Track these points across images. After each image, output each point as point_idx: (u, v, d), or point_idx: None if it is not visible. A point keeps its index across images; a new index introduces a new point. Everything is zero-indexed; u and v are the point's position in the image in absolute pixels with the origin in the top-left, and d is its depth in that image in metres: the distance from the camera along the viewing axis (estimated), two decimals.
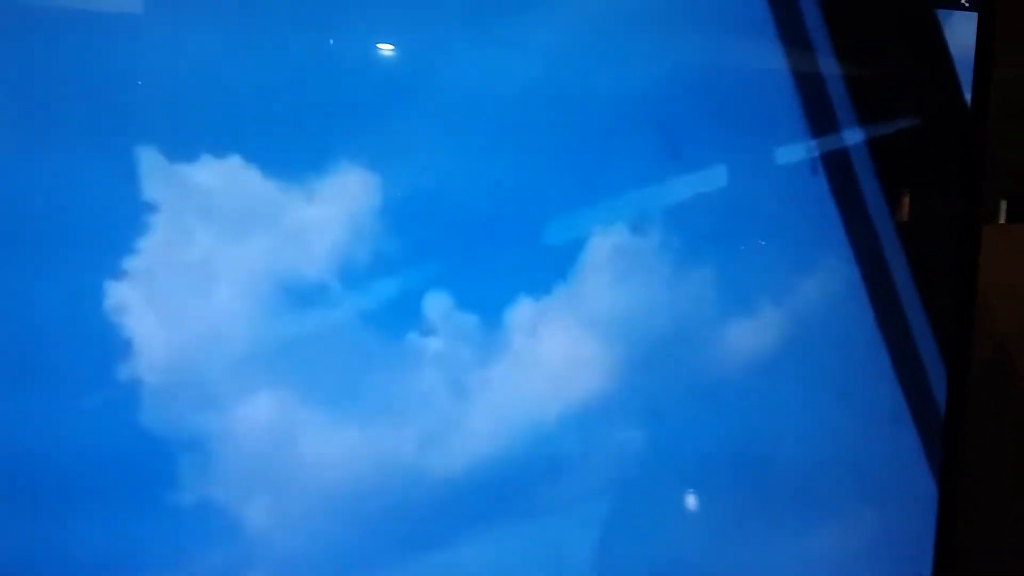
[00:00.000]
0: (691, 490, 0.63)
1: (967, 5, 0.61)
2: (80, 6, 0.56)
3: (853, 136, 0.61)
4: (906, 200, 0.62)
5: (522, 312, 0.61)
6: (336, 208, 0.58)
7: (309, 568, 0.62)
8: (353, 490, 0.61)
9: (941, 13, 0.62)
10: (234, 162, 0.57)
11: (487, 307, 0.61)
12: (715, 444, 0.63)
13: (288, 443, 0.60)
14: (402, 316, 0.60)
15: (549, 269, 0.61)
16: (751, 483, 0.63)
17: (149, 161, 0.57)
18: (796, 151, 0.61)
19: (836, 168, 0.61)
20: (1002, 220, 0.86)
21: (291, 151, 0.58)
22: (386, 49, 0.59)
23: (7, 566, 0.59)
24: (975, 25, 0.62)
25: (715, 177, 0.61)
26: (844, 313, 0.62)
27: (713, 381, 0.62)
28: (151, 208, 0.57)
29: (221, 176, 0.57)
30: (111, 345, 0.58)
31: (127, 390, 0.59)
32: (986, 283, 0.64)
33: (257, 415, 0.60)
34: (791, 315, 0.62)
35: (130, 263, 0.57)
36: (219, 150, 0.57)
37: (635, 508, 0.63)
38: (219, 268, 0.58)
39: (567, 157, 0.60)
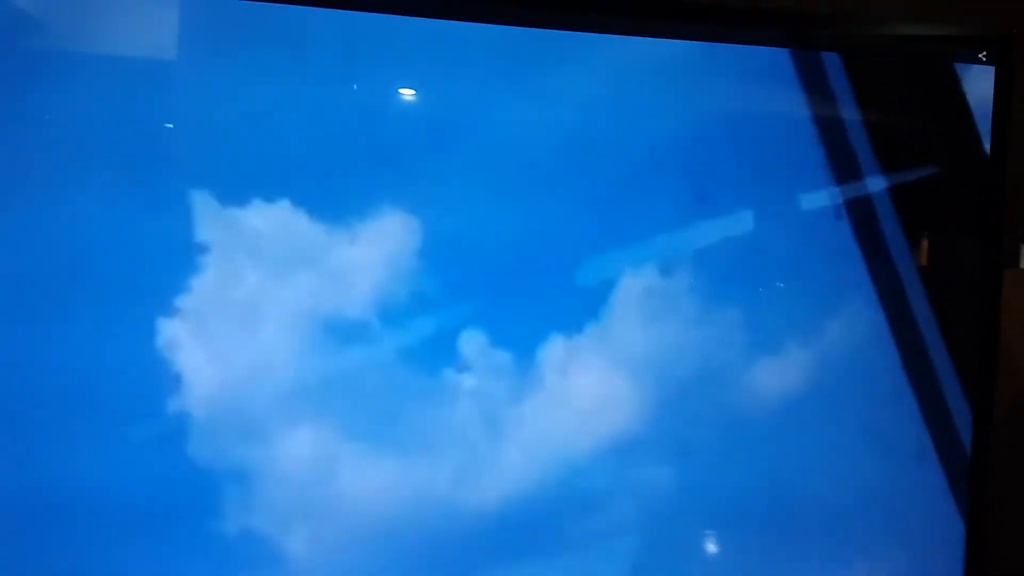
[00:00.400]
0: (719, 527, 0.64)
1: (984, 60, 0.63)
2: (137, 53, 0.59)
3: (875, 184, 0.63)
4: (928, 245, 0.63)
5: (554, 350, 0.63)
6: (377, 249, 0.61)
7: None
8: (389, 522, 0.63)
9: (960, 67, 0.64)
10: (283, 206, 0.60)
11: (520, 345, 0.63)
12: (743, 482, 0.64)
13: (328, 476, 0.62)
14: (438, 353, 0.62)
15: (581, 309, 0.63)
16: (778, 521, 0.65)
17: (203, 205, 0.60)
18: (820, 198, 0.63)
19: (859, 214, 0.63)
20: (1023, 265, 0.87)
21: (336, 196, 0.61)
22: (427, 99, 0.61)
23: None
24: (992, 78, 0.64)
25: (741, 222, 0.63)
26: (869, 354, 0.64)
27: (741, 420, 0.64)
28: (203, 249, 0.60)
29: (270, 219, 0.60)
30: (162, 380, 0.60)
31: (175, 423, 0.61)
32: (1008, 325, 0.66)
33: (298, 448, 0.62)
34: (817, 356, 0.63)
35: (182, 301, 0.60)
36: (270, 195, 0.60)
37: (664, 544, 0.64)
38: (265, 306, 0.61)
39: (598, 202, 0.63)
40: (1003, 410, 0.73)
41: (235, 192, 0.60)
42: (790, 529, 0.65)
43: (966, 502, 0.65)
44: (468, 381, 0.63)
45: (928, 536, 0.65)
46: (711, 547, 0.64)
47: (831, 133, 0.63)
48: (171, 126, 0.60)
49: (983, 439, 0.65)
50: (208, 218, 0.59)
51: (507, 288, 0.63)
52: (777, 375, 0.63)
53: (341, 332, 0.61)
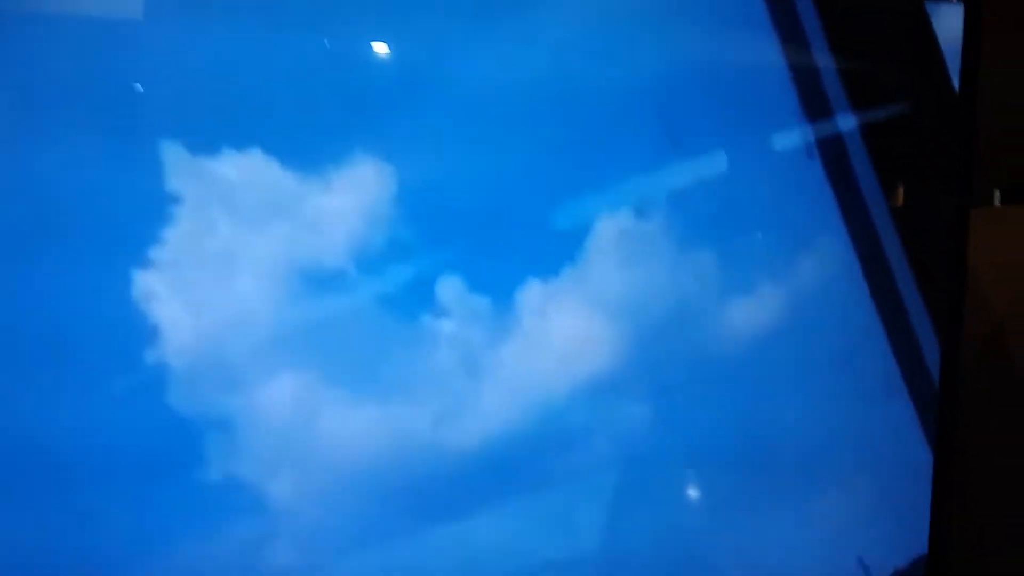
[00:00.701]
0: (696, 463, 0.65)
1: None
2: (102, 2, 0.58)
3: (847, 123, 0.63)
4: (899, 184, 0.64)
5: (532, 294, 0.63)
6: (352, 197, 0.61)
7: (330, 540, 0.64)
8: (371, 466, 0.63)
9: (930, 6, 0.64)
10: (254, 155, 0.59)
11: (498, 290, 0.63)
12: (718, 419, 0.65)
13: (309, 422, 0.62)
14: (416, 299, 0.62)
15: (557, 253, 0.63)
16: (752, 456, 0.66)
17: (173, 155, 0.59)
18: (792, 138, 0.63)
19: (831, 154, 0.64)
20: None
21: (309, 144, 0.60)
22: (398, 45, 0.61)
23: (36, 547, 0.61)
24: (962, 16, 0.64)
25: (715, 164, 0.63)
26: (841, 293, 0.64)
27: (716, 359, 0.64)
28: (175, 200, 0.59)
29: (242, 169, 0.59)
30: (138, 332, 0.60)
31: (154, 374, 0.61)
32: (980, 263, 0.66)
33: (279, 396, 0.62)
34: (790, 295, 0.64)
35: (155, 253, 0.59)
36: (240, 144, 0.59)
37: (641, 482, 0.66)
38: (241, 256, 0.60)
39: (573, 146, 0.62)
40: (970, 345, 0.75)
41: (205, 142, 0.59)
42: (764, 464, 0.66)
43: (935, 434, 0.67)
44: (447, 326, 0.63)
45: (897, 467, 0.67)
46: (688, 483, 0.66)
47: (803, 74, 0.63)
48: (139, 76, 0.58)
49: (951, 373, 0.66)
50: (178, 168, 0.59)
51: (484, 234, 0.63)
52: (751, 314, 0.64)
53: (318, 280, 0.61)
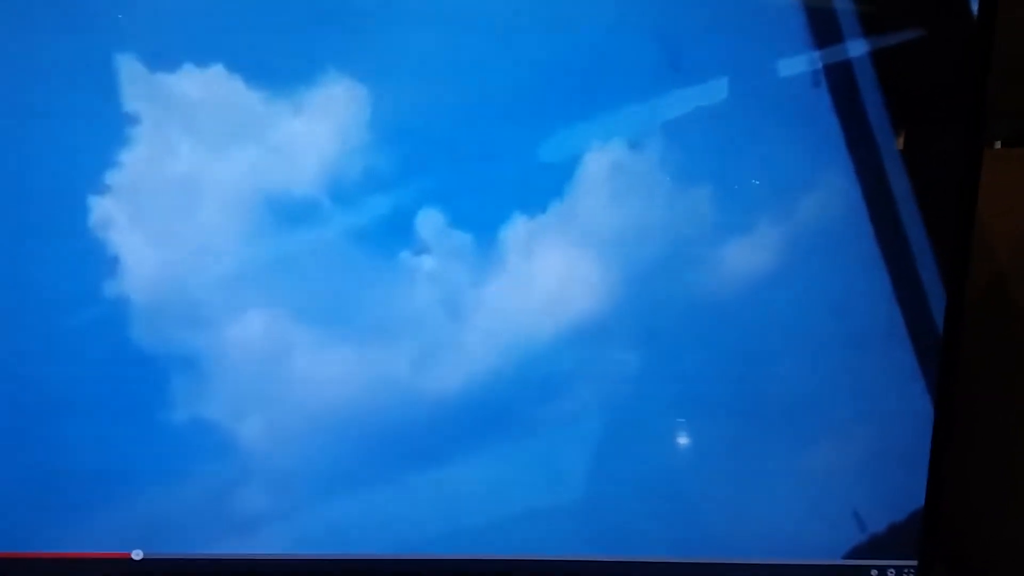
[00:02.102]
0: (686, 409, 0.63)
1: None
2: None
3: (857, 49, 0.59)
4: (909, 117, 0.60)
5: (517, 230, 0.60)
6: (324, 121, 0.57)
7: (302, 485, 0.62)
8: (346, 409, 0.60)
9: None
10: (217, 72, 0.55)
11: (481, 225, 0.60)
12: (711, 363, 0.62)
13: (280, 362, 0.59)
14: (394, 234, 0.59)
15: (544, 186, 0.59)
16: (747, 402, 0.63)
17: (129, 70, 0.55)
18: (798, 63, 0.59)
19: (839, 81, 0.60)
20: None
21: (276, 60, 0.56)
22: None
23: (1, 478, 0.60)
24: None
25: (715, 90, 0.59)
26: (844, 231, 0.61)
27: (710, 300, 0.61)
28: (132, 120, 0.55)
29: (204, 86, 0.55)
30: (96, 262, 0.57)
31: (114, 308, 0.57)
32: (986, 205, 0.63)
33: (247, 333, 0.59)
34: (790, 235, 0.61)
35: (112, 177, 0.56)
36: (201, 59, 0.55)
37: (629, 427, 0.63)
38: (204, 182, 0.57)
39: (564, 70, 0.58)
40: (976, 290, 0.71)
41: (163, 56, 0.55)
42: (757, 412, 0.64)
43: (936, 383, 0.64)
44: (426, 263, 0.60)
45: (896, 417, 0.64)
46: (678, 431, 0.63)
47: None
48: None
49: (955, 319, 0.63)
50: (135, 85, 0.54)
51: (466, 164, 0.59)
52: (748, 254, 0.61)
53: (288, 211, 0.58)
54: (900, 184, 0.61)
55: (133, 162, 0.56)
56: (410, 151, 0.58)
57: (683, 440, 0.63)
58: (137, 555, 0.62)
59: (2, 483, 0.60)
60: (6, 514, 0.60)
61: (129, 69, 0.55)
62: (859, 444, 0.64)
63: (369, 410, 0.61)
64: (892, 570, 0.65)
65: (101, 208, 0.56)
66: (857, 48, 0.59)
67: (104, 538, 0.61)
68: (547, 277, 0.60)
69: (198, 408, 0.60)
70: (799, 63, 0.59)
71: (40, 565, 0.61)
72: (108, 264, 0.57)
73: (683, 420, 0.63)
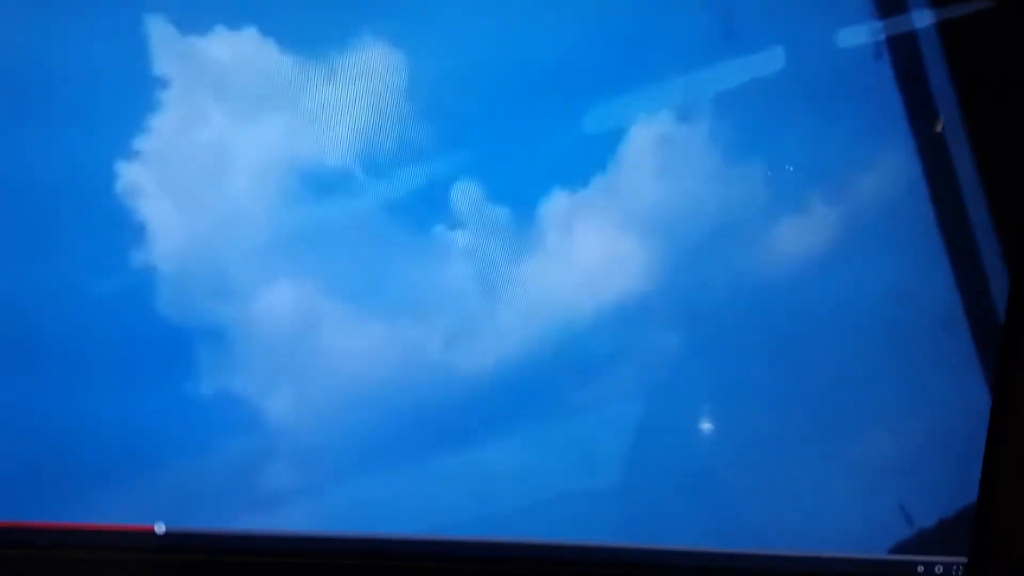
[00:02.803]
0: (729, 395, 0.60)
1: None
2: None
3: (922, 19, 0.56)
4: (975, 91, 0.57)
5: (557, 205, 0.57)
6: (358, 88, 0.55)
7: (331, 462, 0.60)
8: (376, 385, 0.59)
9: None
10: (250, 35, 0.53)
11: (519, 199, 0.57)
12: (757, 348, 0.60)
13: (309, 335, 0.58)
14: (428, 207, 0.57)
15: (587, 159, 0.57)
16: (793, 389, 0.61)
17: (159, 32, 0.53)
18: (859, 33, 0.56)
19: (902, 53, 0.56)
20: None
21: (311, 23, 0.54)
22: None
23: (28, 449, 0.59)
24: None
25: (770, 61, 0.56)
26: (902, 212, 0.58)
27: (758, 282, 0.59)
28: (162, 84, 0.54)
29: (236, 51, 0.53)
30: (124, 230, 0.55)
31: (141, 277, 0.56)
32: None
33: (276, 306, 0.57)
34: (845, 213, 0.58)
35: (141, 143, 0.54)
36: (234, 21, 0.54)
37: (669, 412, 0.61)
38: (235, 150, 0.55)
39: (610, 36, 0.56)
40: None
41: (195, 19, 0.53)
42: (804, 399, 0.61)
43: (994, 372, 0.61)
44: (461, 238, 0.58)
45: (951, 408, 0.61)
46: (719, 418, 0.60)
47: None
48: None
49: (1018, 306, 0.60)
50: (165, 48, 0.53)
51: (505, 135, 0.57)
52: (799, 235, 0.58)
53: (320, 181, 0.56)
54: (964, 163, 0.58)
55: (162, 127, 0.54)
56: (446, 121, 0.56)
57: (724, 428, 0.61)
58: (160, 528, 0.61)
59: (26, 453, 0.59)
60: (30, 484, 0.60)
61: (159, 31, 0.53)
62: (910, 435, 0.62)
63: (400, 387, 0.59)
64: (940, 566, 0.63)
65: (129, 175, 0.55)
66: (922, 18, 0.55)
67: (127, 510, 0.60)
68: (587, 255, 0.58)
69: (225, 381, 0.59)
70: (860, 34, 0.55)
71: (62, 536, 0.61)
72: (135, 232, 0.56)
73: (725, 406, 0.61)
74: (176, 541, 0.61)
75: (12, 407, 0.59)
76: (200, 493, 0.61)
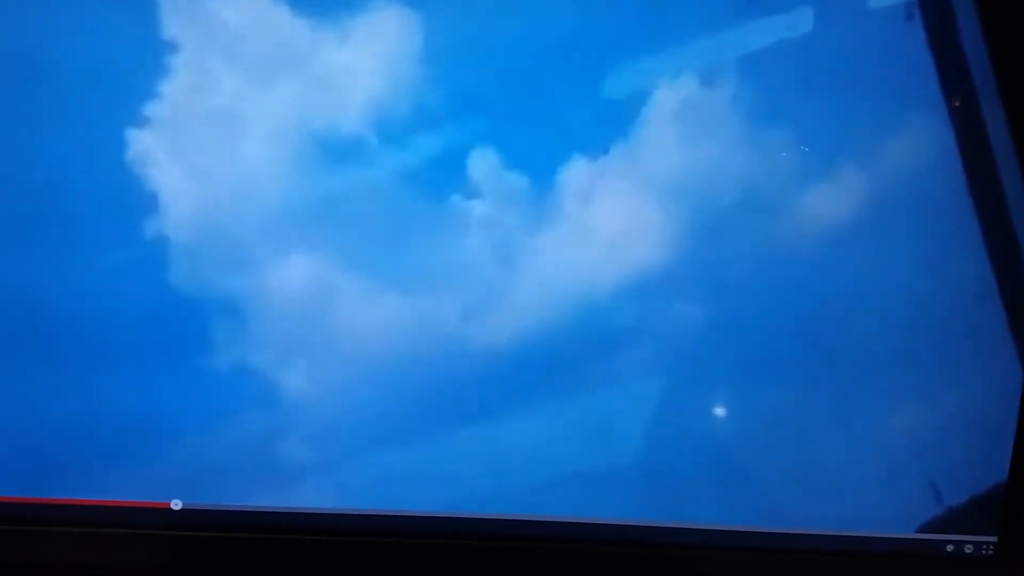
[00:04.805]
0: (754, 370, 0.59)
1: None
2: None
3: None
4: (1012, 53, 0.55)
5: (576, 173, 0.56)
6: (373, 51, 0.54)
7: (347, 437, 0.60)
8: (393, 359, 0.58)
9: None
10: None
11: (538, 167, 0.56)
12: (783, 321, 0.59)
13: (324, 308, 0.57)
14: (445, 175, 0.56)
15: (608, 125, 0.55)
16: (819, 363, 0.59)
17: None
18: None
19: (935, 13, 0.54)
20: None
21: None
22: None
23: (41, 425, 0.59)
24: None
25: (797, 21, 0.54)
26: (934, 179, 0.56)
27: (784, 253, 0.57)
28: (172, 48, 0.53)
29: (247, 12, 0.52)
30: (134, 199, 0.55)
31: (153, 248, 0.55)
32: None
33: (291, 277, 0.56)
34: (875, 180, 0.56)
35: (151, 109, 0.53)
36: None
37: (692, 387, 0.60)
38: (246, 116, 0.54)
39: None
40: None
41: None
42: (831, 374, 0.60)
43: None
44: (479, 208, 0.56)
45: (982, 384, 0.60)
46: (743, 393, 0.59)
47: None
48: None
49: None
50: (175, 9, 0.52)
51: (523, 101, 0.55)
52: (827, 203, 0.57)
53: (334, 149, 0.55)
54: (998, 131, 0.56)
55: (173, 93, 0.53)
56: (463, 86, 0.55)
57: (750, 403, 0.60)
58: (176, 505, 0.60)
59: (40, 431, 0.59)
60: (42, 460, 0.59)
61: None
62: (940, 411, 0.60)
63: (417, 361, 0.59)
64: (970, 546, 0.62)
65: (139, 142, 0.54)
66: None
67: (142, 487, 0.60)
68: (608, 224, 0.57)
69: (239, 354, 0.58)
70: None
71: (76, 512, 0.60)
72: (147, 201, 0.55)
73: (750, 381, 0.60)
74: (192, 517, 0.61)
75: (25, 384, 0.58)
76: (216, 469, 0.60)
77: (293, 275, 0.56)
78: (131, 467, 0.60)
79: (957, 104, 0.55)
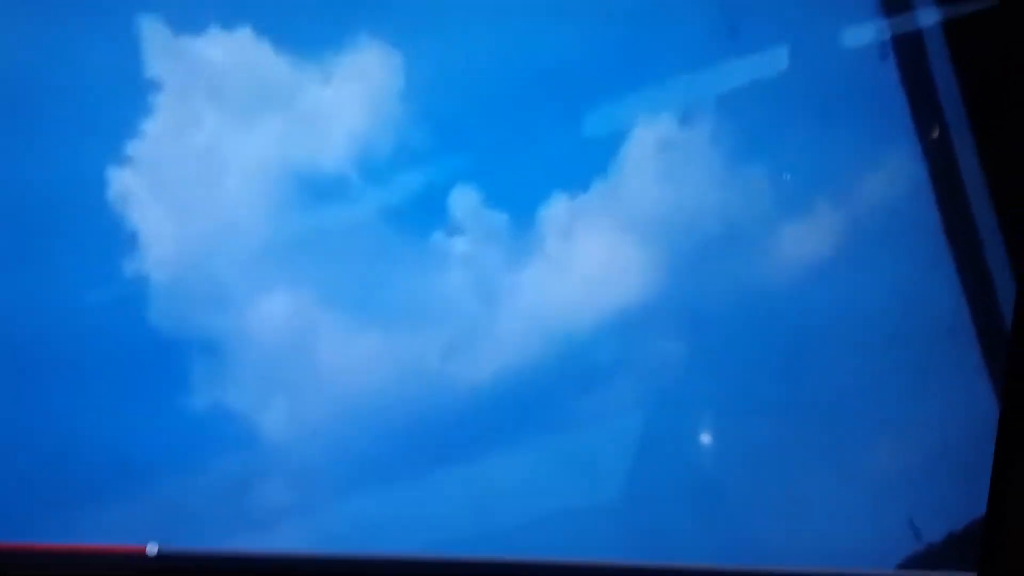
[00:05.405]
0: (734, 406, 0.59)
1: None
2: None
3: (927, 17, 0.55)
4: (982, 93, 0.56)
5: (556, 210, 0.56)
6: (355, 90, 0.54)
7: (327, 478, 0.59)
8: (373, 398, 0.58)
9: None
10: (244, 35, 0.53)
11: (518, 204, 0.56)
12: (762, 357, 0.59)
13: (304, 347, 0.57)
14: (426, 212, 0.56)
15: (587, 163, 0.56)
16: (798, 399, 0.60)
17: (152, 33, 0.52)
18: (864, 33, 0.55)
19: (907, 53, 0.56)
20: None
21: (307, 23, 0.53)
22: None
23: (12, 466, 0.57)
24: None
25: (774, 61, 0.55)
26: (908, 215, 0.57)
27: (762, 288, 0.58)
28: (154, 86, 0.53)
29: (230, 51, 0.53)
30: (114, 238, 0.54)
31: (132, 286, 0.55)
32: None
33: (271, 316, 0.56)
34: (849, 217, 0.57)
35: (133, 147, 0.54)
36: (228, 22, 0.53)
37: (672, 424, 0.60)
38: (228, 154, 0.54)
39: (610, 37, 0.55)
40: None
41: (187, 18, 0.53)
42: (810, 410, 0.60)
43: (1002, 381, 0.60)
44: (460, 244, 0.57)
45: (958, 419, 0.60)
46: (723, 429, 0.59)
47: None
48: None
49: None
50: (158, 49, 0.52)
51: (504, 138, 0.56)
52: (804, 239, 0.57)
53: (315, 187, 0.55)
54: (970, 166, 0.57)
55: (155, 132, 0.53)
56: (445, 124, 0.55)
57: (728, 439, 0.60)
58: (152, 549, 0.59)
59: (10, 469, 0.58)
60: (13, 501, 0.58)
61: (152, 32, 0.52)
62: (917, 446, 0.61)
63: (397, 400, 0.58)
64: None
65: (120, 181, 0.54)
66: (927, 17, 0.55)
67: (117, 530, 0.59)
68: (588, 261, 0.57)
69: (218, 394, 0.57)
70: (865, 33, 0.55)
71: (49, 558, 0.59)
72: (127, 240, 0.55)
73: (730, 417, 0.60)
74: (169, 561, 0.59)
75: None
76: (193, 512, 0.59)
77: (274, 314, 0.56)
78: (106, 510, 0.59)
79: (930, 140, 0.57)
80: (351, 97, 0.54)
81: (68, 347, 0.56)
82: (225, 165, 0.54)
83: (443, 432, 0.59)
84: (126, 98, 0.53)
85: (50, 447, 0.58)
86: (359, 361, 0.57)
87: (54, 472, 0.58)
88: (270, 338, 0.57)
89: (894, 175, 0.57)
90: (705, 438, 0.60)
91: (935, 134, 0.56)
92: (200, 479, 0.58)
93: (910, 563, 0.61)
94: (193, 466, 0.58)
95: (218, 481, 0.58)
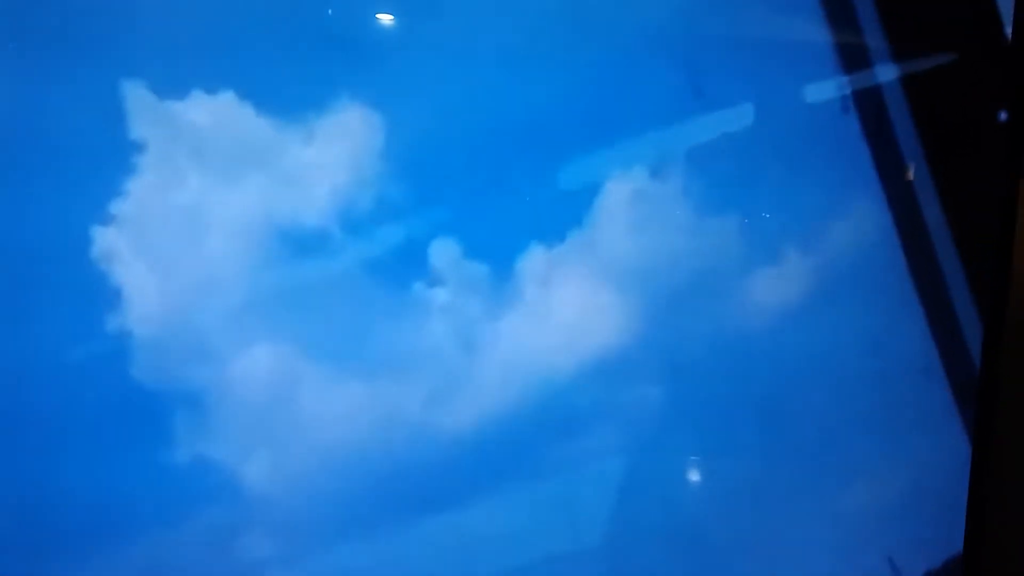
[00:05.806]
0: (712, 449, 0.60)
1: None
2: None
3: (887, 73, 0.57)
4: (944, 145, 0.58)
5: (534, 261, 0.57)
6: (336, 149, 0.55)
7: (310, 530, 0.59)
8: (356, 448, 0.58)
9: None
10: (227, 98, 0.54)
11: (497, 256, 0.57)
12: (738, 401, 0.60)
13: (287, 398, 0.57)
14: (407, 265, 0.57)
15: (563, 215, 0.57)
16: (775, 442, 0.61)
17: (136, 96, 0.53)
18: (826, 88, 0.57)
19: (869, 106, 0.58)
20: None
21: (288, 86, 0.55)
22: None
23: None
24: None
25: (740, 116, 0.57)
26: (875, 261, 0.59)
27: (736, 334, 0.59)
28: (138, 148, 0.54)
29: (213, 114, 0.54)
30: (98, 295, 0.55)
31: (116, 342, 0.56)
32: (1021, 236, 0.61)
33: (254, 369, 0.57)
34: (819, 263, 0.59)
35: (117, 207, 0.54)
36: (211, 85, 0.54)
37: (652, 468, 0.60)
38: (212, 212, 0.55)
39: (583, 96, 0.57)
40: (1015, 324, 0.69)
41: (172, 83, 0.54)
42: (787, 452, 0.61)
43: (973, 423, 0.61)
44: (440, 295, 0.57)
45: (932, 460, 0.61)
46: (703, 473, 0.60)
47: (839, 17, 0.57)
48: (99, 5, 0.53)
49: (993, 356, 0.60)
50: (142, 112, 0.53)
51: (482, 192, 0.57)
52: (775, 287, 0.59)
53: (298, 242, 0.56)
54: (934, 215, 0.59)
55: (139, 191, 0.54)
56: (424, 179, 0.56)
57: (708, 483, 0.61)
58: None
59: None
60: None
61: (136, 95, 0.53)
62: (893, 486, 0.61)
63: (380, 450, 0.59)
64: None
65: (104, 239, 0.54)
66: (887, 73, 0.57)
67: None
68: (566, 310, 0.58)
69: (201, 448, 0.57)
70: (827, 89, 0.57)
71: None
72: (110, 297, 0.55)
73: (708, 461, 0.60)
74: None
75: None
76: (177, 566, 0.59)
77: (257, 366, 0.57)
78: (88, 564, 0.59)
79: (894, 188, 0.58)
80: (332, 156, 0.55)
81: (51, 402, 0.56)
82: (208, 223, 0.55)
83: (425, 481, 0.59)
84: (111, 159, 0.54)
85: (32, 502, 0.58)
86: (341, 412, 0.58)
87: (36, 527, 0.58)
88: (253, 391, 0.57)
89: (861, 222, 0.58)
90: (684, 482, 0.61)
91: (897, 183, 0.58)
92: (183, 532, 0.58)
93: None
94: (176, 519, 0.58)
95: (201, 534, 0.58)
